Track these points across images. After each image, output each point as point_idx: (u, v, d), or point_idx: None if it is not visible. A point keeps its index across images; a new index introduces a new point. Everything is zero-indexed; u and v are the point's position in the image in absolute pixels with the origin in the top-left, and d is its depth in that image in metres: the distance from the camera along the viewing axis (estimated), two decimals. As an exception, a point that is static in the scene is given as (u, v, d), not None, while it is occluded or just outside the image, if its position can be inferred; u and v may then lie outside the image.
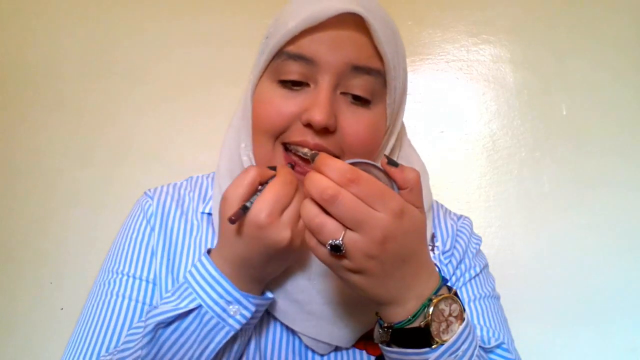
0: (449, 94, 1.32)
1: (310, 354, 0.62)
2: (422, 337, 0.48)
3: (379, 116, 0.61)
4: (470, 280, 0.69)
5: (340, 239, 0.45)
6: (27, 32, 1.41)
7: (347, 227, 0.45)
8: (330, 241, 0.45)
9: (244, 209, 0.51)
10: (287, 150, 0.61)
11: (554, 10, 1.31)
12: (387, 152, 0.65)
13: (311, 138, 0.57)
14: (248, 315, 0.54)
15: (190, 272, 0.55)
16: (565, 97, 1.27)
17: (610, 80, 1.26)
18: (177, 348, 0.53)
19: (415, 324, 0.48)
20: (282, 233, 0.51)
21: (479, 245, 0.74)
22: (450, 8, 1.34)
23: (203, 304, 0.52)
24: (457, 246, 0.71)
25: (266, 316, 0.63)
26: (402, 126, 0.71)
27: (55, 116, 1.37)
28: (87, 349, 0.61)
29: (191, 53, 1.38)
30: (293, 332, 0.62)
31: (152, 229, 0.68)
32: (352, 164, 0.47)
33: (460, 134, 1.30)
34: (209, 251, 0.57)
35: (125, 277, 0.65)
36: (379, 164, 0.50)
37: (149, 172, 1.31)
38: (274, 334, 0.62)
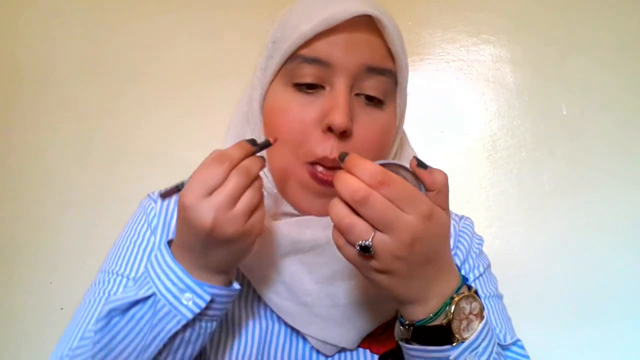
0: (449, 94, 1.32)
1: (316, 355, 0.62)
2: (443, 335, 0.49)
3: (391, 116, 0.62)
4: (474, 280, 0.69)
5: (370, 240, 0.45)
6: (25, 31, 1.41)
7: (377, 229, 0.46)
8: (360, 242, 0.45)
9: (178, 188, 0.50)
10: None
11: (553, 10, 1.32)
12: (394, 150, 0.66)
13: (330, 150, 0.56)
14: (202, 304, 0.52)
15: (150, 261, 0.54)
16: (565, 97, 1.28)
17: (610, 80, 1.27)
18: (129, 335, 0.52)
19: (437, 322, 0.49)
20: (204, 216, 0.48)
21: (481, 245, 0.74)
22: (450, 8, 1.35)
23: (157, 291, 0.51)
24: (460, 246, 0.71)
25: (271, 319, 0.63)
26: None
27: (54, 116, 1.37)
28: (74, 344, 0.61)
29: (190, 52, 1.38)
30: (298, 334, 0.62)
31: (153, 233, 0.67)
32: (382, 165, 0.47)
33: (460, 134, 1.30)
34: (170, 241, 0.56)
35: (120, 278, 0.64)
36: (407, 165, 0.50)
37: (148, 172, 1.31)
38: (278, 336, 0.62)
